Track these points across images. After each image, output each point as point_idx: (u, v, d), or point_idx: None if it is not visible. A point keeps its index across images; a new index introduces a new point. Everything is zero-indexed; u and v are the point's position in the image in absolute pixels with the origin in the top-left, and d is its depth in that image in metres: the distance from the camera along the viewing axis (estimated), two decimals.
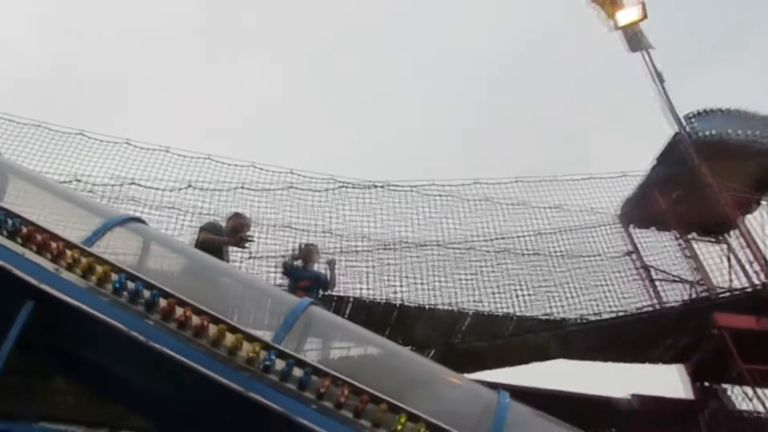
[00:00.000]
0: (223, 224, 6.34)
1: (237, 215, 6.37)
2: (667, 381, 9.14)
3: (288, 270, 6.59)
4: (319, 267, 6.68)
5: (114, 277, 3.28)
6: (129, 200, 7.46)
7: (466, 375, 6.90)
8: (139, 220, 4.20)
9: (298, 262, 6.58)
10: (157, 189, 7.39)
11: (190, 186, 7.57)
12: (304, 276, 6.54)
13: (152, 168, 7.97)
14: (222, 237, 5.90)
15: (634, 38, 9.99)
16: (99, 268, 3.30)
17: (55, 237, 3.42)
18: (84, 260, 3.33)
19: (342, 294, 7.38)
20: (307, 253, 6.60)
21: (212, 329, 3.19)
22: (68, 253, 3.35)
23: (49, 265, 3.27)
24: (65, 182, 6.94)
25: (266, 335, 3.36)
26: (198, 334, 3.17)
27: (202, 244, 5.70)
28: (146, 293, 3.23)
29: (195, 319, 3.20)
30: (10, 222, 3.41)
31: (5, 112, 8.11)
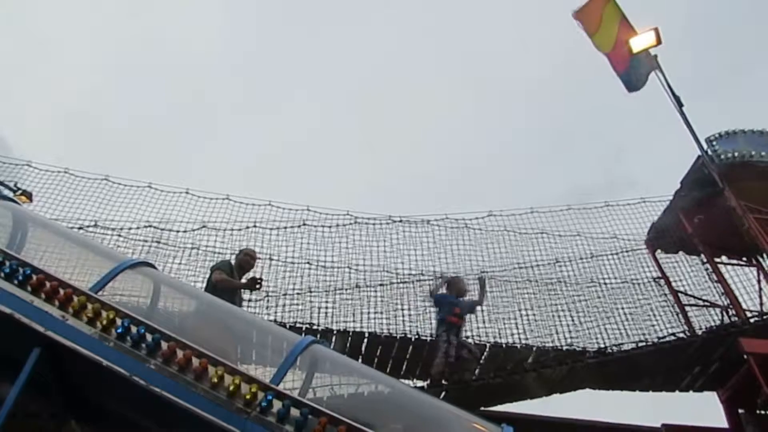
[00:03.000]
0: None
1: (243, 251, 6.48)
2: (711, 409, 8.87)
3: (439, 298, 7.44)
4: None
5: (119, 322, 3.39)
6: (152, 243, 7.66)
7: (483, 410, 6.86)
8: (148, 264, 4.33)
9: (443, 290, 7.52)
10: (171, 231, 7.58)
11: (204, 227, 7.75)
12: (458, 304, 7.37)
13: (174, 210, 8.18)
14: (234, 279, 6.01)
15: (647, 65, 9.96)
16: (104, 314, 3.41)
17: (64, 284, 3.55)
18: (90, 306, 3.44)
19: (358, 329, 7.42)
20: (462, 286, 7.54)
21: (212, 371, 3.26)
22: (75, 299, 3.47)
23: (56, 312, 3.39)
24: (86, 227, 7.19)
25: (268, 375, 3.42)
26: (198, 377, 3.24)
27: (214, 285, 5.82)
28: (149, 337, 3.32)
29: (195, 362, 3.27)
30: (21, 271, 3.56)
31: (35, 161, 8.47)
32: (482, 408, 6.84)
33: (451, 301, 7.34)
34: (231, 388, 3.17)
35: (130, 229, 7.48)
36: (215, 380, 3.19)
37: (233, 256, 6.89)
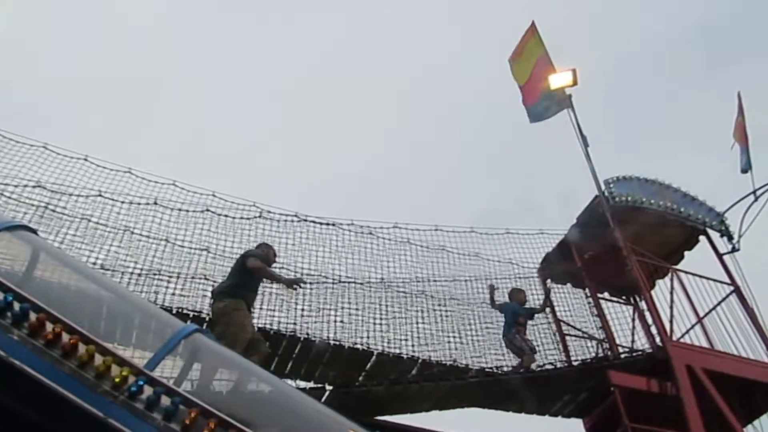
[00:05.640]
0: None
1: (271, 248, 6.88)
2: None
3: (504, 306, 8.69)
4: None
5: None
6: (38, 207, 7.17)
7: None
8: (29, 229, 4.06)
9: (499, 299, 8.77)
10: (62, 194, 7.13)
11: (100, 195, 7.35)
12: (522, 312, 8.68)
13: (70, 176, 7.68)
14: (277, 273, 6.56)
15: (559, 102, 10.47)
16: None
17: None
18: None
19: None
20: (523, 297, 8.88)
21: (82, 350, 3.09)
22: None
23: None
24: None
25: (144, 360, 3.29)
26: (67, 354, 3.06)
27: (250, 271, 6.15)
28: (16, 306, 3.10)
29: (65, 338, 3.09)
30: None
31: None
32: (365, 418, 6.87)
33: (515, 311, 8.58)
34: (101, 369, 3.02)
35: (16, 186, 6.94)
36: (84, 359, 3.03)
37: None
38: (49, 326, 3.09)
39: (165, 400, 3.00)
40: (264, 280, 6.71)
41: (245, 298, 6.21)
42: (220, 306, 6.11)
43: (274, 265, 6.96)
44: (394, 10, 37.29)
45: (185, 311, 6.98)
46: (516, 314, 8.54)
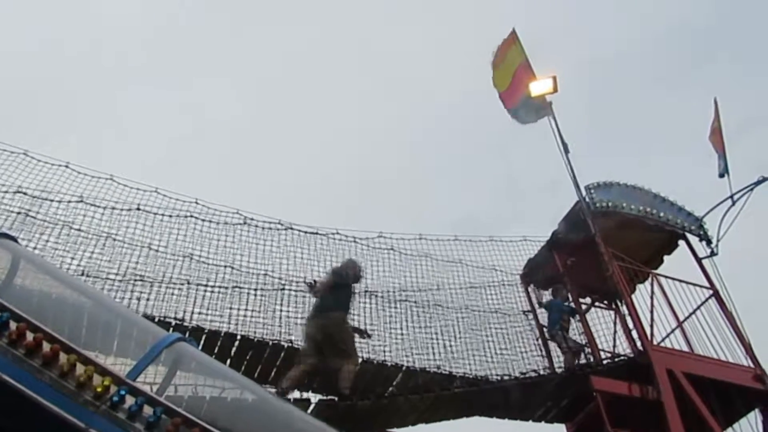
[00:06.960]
0: None
1: (352, 262, 7.66)
2: None
3: (552, 305, 9.38)
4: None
5: None
6: (19, 214, 7.08)
7: None
8: (9, 237, 4.01)
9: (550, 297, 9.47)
10: (44, 200, 7.04)
11: (81, 200, 7.27)
12: (566, 310, 9.31)
13: (51, 183, 7.60)
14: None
15: (541, 109, 10.57)
16: None
17: None
18: None
19: (231, 331, 7.24)
20: (566, 294, 9.49)
21: (63, 359, 3.06)
22: None
23: None
24: None
25: (126, 369, 3.27)
26: (47, 363, 3.04)
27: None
28: None
29: (46, 347, 3.06)
30: None
31: None
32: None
33: (561, 308, 9.20)
34: (82, 378, 2.99)
35: None
36: (65, 369, 3.01)
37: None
38: (29, 335, 3.07)
39: (147, 410, 2.98)
40: (355, 291, 7.58)
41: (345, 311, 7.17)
42: (324, 322, 6.99)
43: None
44: (374, 10, 37.49)
45: (168, 319, 6.93)
46: (562, 312, 9.11)
